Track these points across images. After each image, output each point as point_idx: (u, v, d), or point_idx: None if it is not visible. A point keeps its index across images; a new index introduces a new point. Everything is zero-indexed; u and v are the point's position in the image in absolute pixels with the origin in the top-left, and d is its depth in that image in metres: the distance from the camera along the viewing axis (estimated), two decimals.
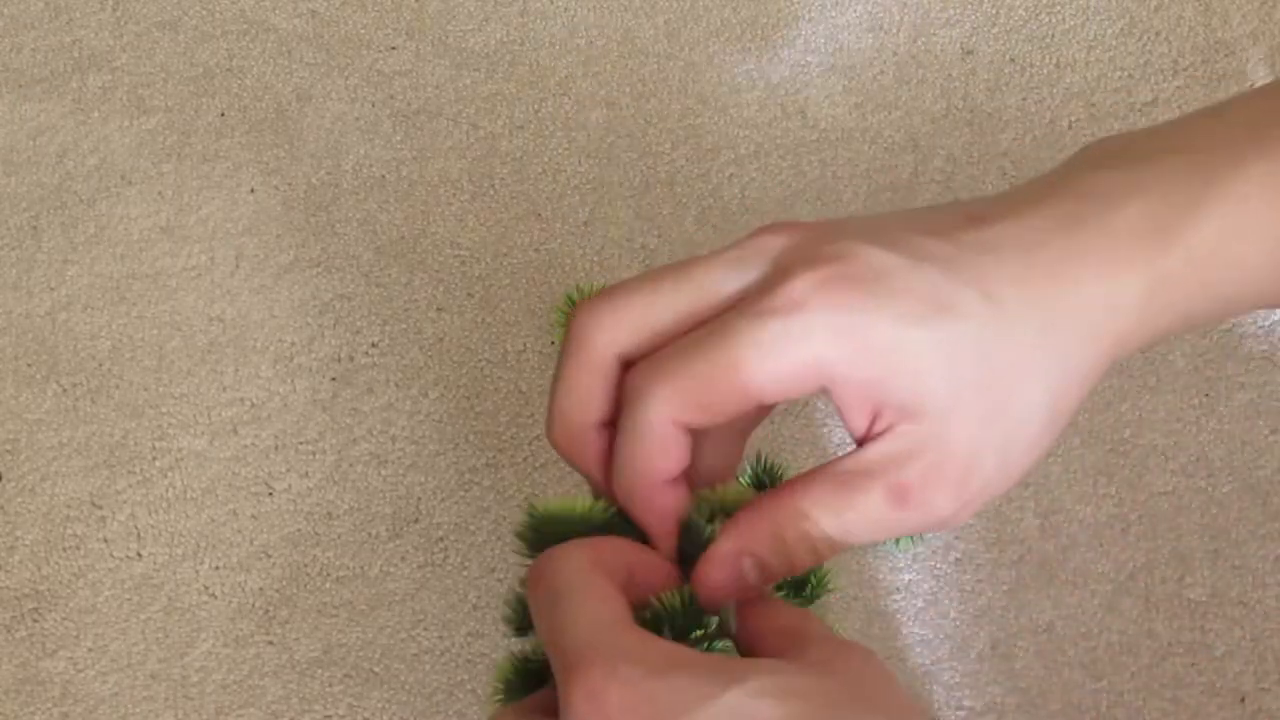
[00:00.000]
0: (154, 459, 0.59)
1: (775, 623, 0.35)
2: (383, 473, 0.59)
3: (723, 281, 0.36)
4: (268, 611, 0.57)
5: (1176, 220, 0.35)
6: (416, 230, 0.63)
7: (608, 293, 0.37)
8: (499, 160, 0.65)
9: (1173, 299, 0.35)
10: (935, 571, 0.56)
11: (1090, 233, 0.35)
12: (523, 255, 0.63)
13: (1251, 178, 0.35)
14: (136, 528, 0.58)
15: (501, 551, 0.58)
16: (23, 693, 0.56)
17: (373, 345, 0.61)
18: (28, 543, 0.58)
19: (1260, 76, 0.66)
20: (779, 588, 0.40)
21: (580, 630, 0.32)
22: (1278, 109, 0.36)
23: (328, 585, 0.57)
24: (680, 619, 0.35)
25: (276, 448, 0.59)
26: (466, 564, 0.57)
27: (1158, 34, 0.67)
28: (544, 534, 0.37)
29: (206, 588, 0.57)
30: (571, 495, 0.38)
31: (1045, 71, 0.66)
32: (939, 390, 0.34)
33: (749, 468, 0.44)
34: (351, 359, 0.61)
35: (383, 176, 0.65)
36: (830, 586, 0.44)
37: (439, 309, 0.62)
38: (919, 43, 0.67)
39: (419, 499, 0.58)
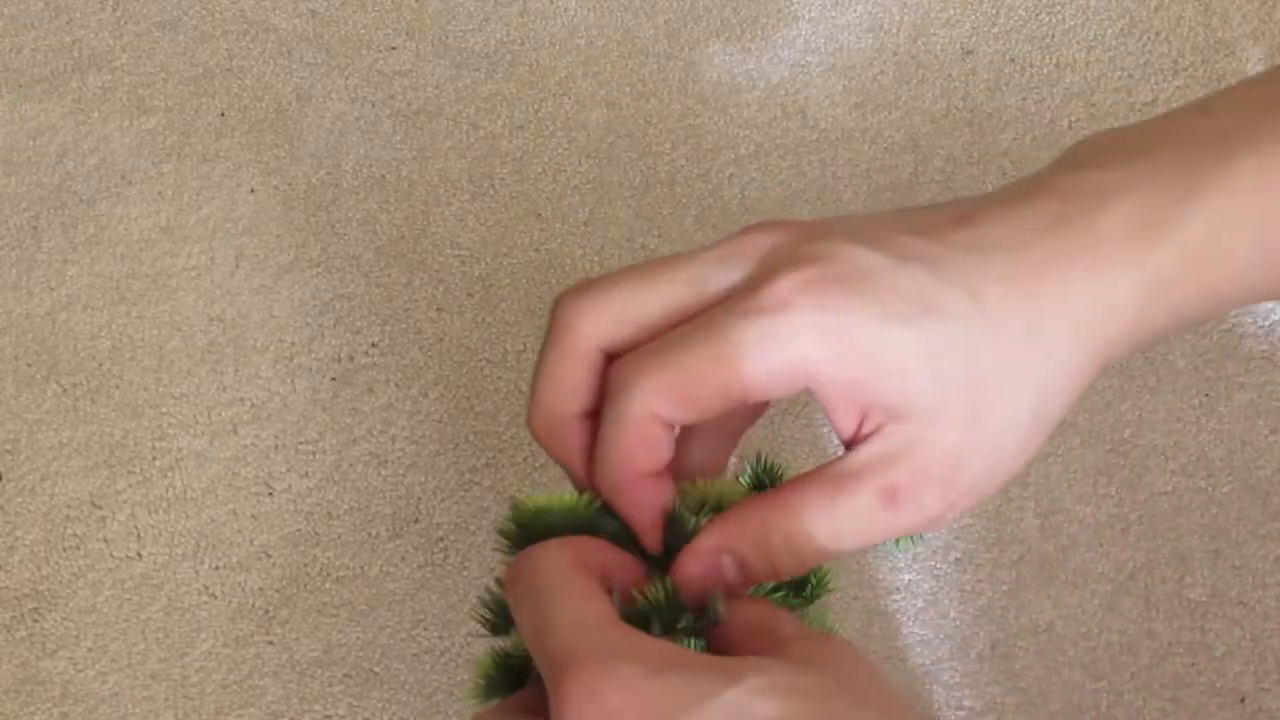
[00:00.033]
0: (154, 459, 0.59)
1: (743, 616, 0.35)
2: (383, 473, 0.59)
3: (709, 278, 0.36)
4: (268, 611, 0.57)
5: (1165, 218, 0.34)
6: (416, 230, 0.63)
7: (593, 283, 0.37)
8: (499, 160, 0.65)
9: (1164, 297, 0.35)
10: (935, 571, 0.56)
11: (1077, 233, 0.35)
12: (523, 255, 0.63)
13: (1242, 171, 0.35)
14: (136, 528, 0.58)
15: None
16: (23, 693, 0.56)
17: (373, 345, 0.61)
18: (28, 543, 0.58)
19: None
20: (778, 588, 0.40)
21: (569, 630, 0.32)
22: (1266, 101, 0.36)
23: (328, 585, 0.57)
24: (666, 612, 0.35)
25: (276, 448, 0.59)
26: (466, 564, 0.57)
27: (1158, 34, 0.67)
28: (529, 530, 0.37)
29: (206, 588, 0.57)
30: (556, 491, 0.37)
31: (1045, 71, 0.66)
32: (925, 391, 0.34)
33: (749, 468, 0.44)
34: (351, 359, 0.61)
35: (383, 176, 0.65)
36: (830, 586, 0.44)
37: (439, 309, 0.62)
38: (919, 43, 0.67)
39: (419, 499, 0.58)
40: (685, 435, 0.40)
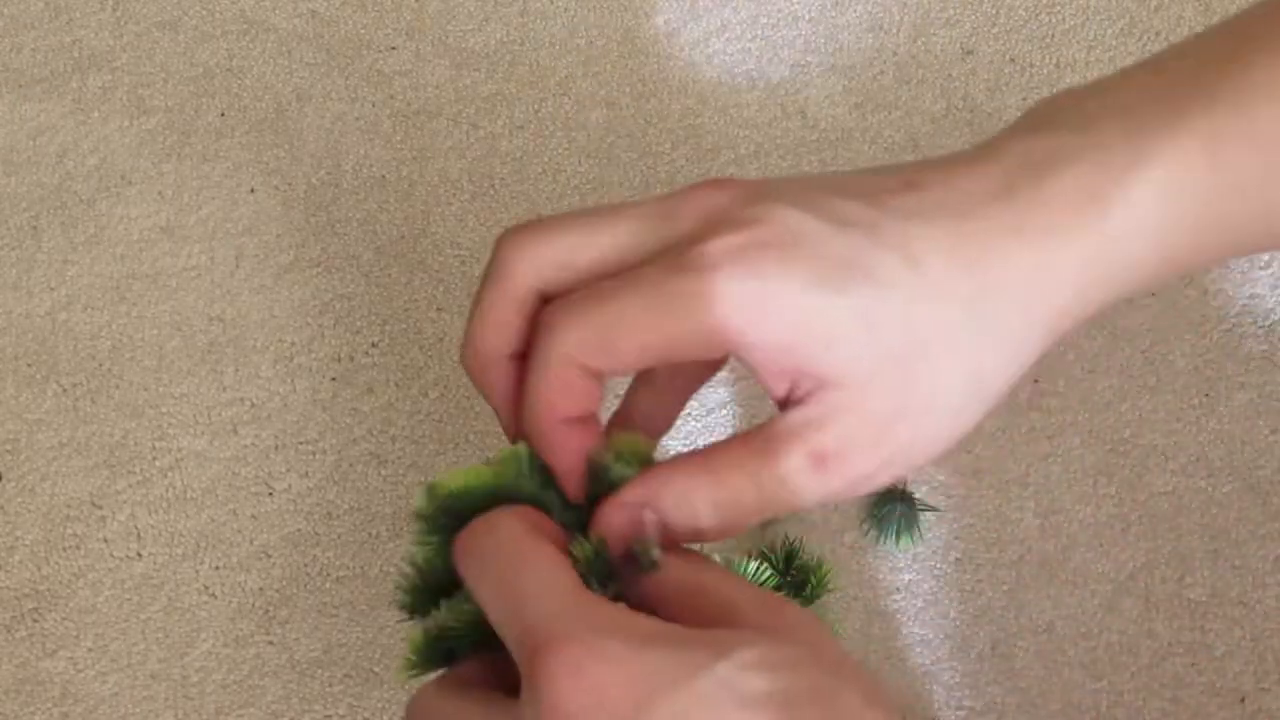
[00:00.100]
0: (154, 459, 0.59)
1: (678, 572, 0.34)
2: (383, 473, 0.59)
3: (651, 230, 0.35)
4: (268, 611, 0.57)
5: (1112, 186, 0.34)
6: (416, 230, 0.63)
7: (536, 224, 0.36)
8: (499, 160, 0.65)
9: (1113, 266, 0.34)
10: (935, 571, 0.56)
11: (1023, 202, 0.34)
12: None
13: (1195, 132, 0.34)
14: (136, 528, 0.58)
15: None
16: (23, 693, 0.56)
17: (373, 345, 0.61)
18: (28, 543, 0.58)
19: None
20: (778, 588, 0.40)
21: (541, 601, 0.31)
22: (1219, 53, 0.35)
23: (328, 585, 0.57)
24: (598, 567, 0.34)
25: (276, 448, 0.59)
26: None
27: (1158, 34, 0.67)
28: (453, 509, 0.36)
29: (206, 588, 0.57)
30: (468, 467, 0.37)
31: (1045, 71, 0.66)
32: (857, 356, 0.33)
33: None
34: (351, 359, 0.61)
35: (383, 176, 0.65)
36: (830, 586, 0.44)
37: (439, 309, 0.62)
38: (919, 43, 0.67)
39: None
40: (634, 388, 0.40)
